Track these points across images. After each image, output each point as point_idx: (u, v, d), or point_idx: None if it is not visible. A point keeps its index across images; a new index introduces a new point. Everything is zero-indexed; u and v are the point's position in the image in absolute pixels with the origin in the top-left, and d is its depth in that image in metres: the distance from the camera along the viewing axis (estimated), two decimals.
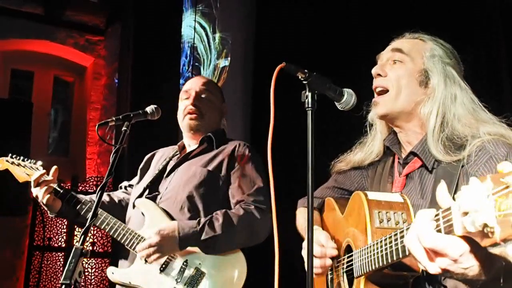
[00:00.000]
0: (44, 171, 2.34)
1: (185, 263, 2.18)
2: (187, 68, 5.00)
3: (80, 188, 5.53)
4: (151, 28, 5.37)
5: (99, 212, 2.27)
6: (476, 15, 2.93)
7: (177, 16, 5.21)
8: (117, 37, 6.43)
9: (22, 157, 2.45)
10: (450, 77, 1.54)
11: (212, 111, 2.50)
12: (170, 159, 2.50)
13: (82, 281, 4.95)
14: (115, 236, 2.26)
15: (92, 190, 5.49)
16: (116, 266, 2.35)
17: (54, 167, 2.37)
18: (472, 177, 0.85)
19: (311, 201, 1.27)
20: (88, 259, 5.25)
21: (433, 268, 1.00)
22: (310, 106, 1.31)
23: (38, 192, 2.30)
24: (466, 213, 0.87)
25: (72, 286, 1.52)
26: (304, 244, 1.72)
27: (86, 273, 5.24)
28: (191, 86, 2.51)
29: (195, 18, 5.01)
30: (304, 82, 1.33)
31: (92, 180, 5.67)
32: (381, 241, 1.28)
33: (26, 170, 2.42)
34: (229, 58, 4.74)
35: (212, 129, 2.48)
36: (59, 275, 5.35)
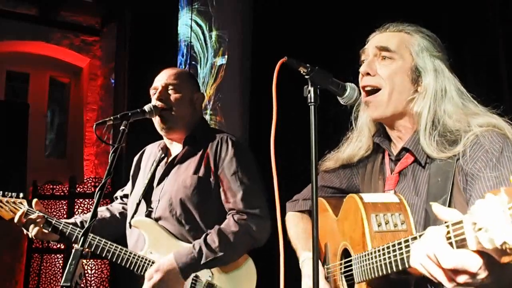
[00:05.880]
0: (26, 208, 2.34)
1: (194, 279, 2.18)
2: (184, 67, 4.97)
3: (78, 189, 5.50)
4: (147, 27, 5.34)
5: (97, 240, 2.27)
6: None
7: (173, 14, 5.18)
8: (113, 37, 6.39)
9: (1, 192, 2.43)
10: (439, 71, 1.50)
11: (180, 104, 2.34)
12: (158, 164, 2.43)
13: (82, 283, 4.92)
14: (118, 262, 2.25)
15: (90, 191, 5.45)
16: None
17: (34, 200, 2.37)
18: (488, 193, 0.82)
19: (316, 202, 1.24)
20: (88, 260, 5.21)
21: (452, 284, 0.97)
22: (312, 101, 1.28)
23: (27, 230, 2.31)
24: (480, 229, 0.84)
25: None
26: (305, 272, 1.66)
27: (86, 275, 5.21)
28: (156, 82, 2.39)
29: (191, 16, 4.98)
30: (306, 76, 1.30)
31: (90, 181, 5.63)
32: (383, 249, 1.24)
33: (10, 207, 2.40)
34: (226, 56, 4.71)
35: (185, 122, 2.36)
36: (58, 277, 5.32)
